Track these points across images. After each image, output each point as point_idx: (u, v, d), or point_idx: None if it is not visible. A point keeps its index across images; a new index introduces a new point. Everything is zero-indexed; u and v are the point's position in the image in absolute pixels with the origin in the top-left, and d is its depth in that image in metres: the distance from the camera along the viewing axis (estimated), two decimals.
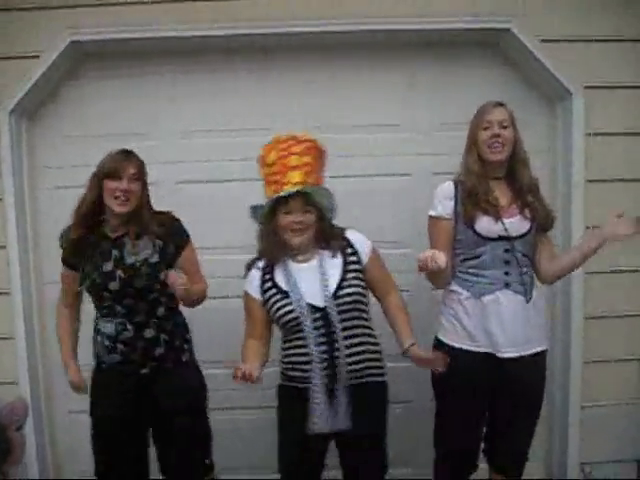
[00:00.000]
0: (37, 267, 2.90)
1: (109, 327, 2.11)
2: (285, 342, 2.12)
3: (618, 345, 2.90)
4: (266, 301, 2.07)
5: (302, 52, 2.84)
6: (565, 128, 2.83)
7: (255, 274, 2.11)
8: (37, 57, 2.70)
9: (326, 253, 2.07)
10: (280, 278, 2.05)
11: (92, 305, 2.21)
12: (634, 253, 2.75)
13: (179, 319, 2.24)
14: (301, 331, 2.00)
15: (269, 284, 2.07)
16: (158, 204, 2.21)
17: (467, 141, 2.17)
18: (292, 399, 2.08)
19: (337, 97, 2.87)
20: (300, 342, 2.02)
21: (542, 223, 2.16)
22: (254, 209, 2.09)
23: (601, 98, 2.77)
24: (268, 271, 2.08)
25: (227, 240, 2.80)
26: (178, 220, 2.20)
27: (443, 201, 2.15)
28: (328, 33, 2.72)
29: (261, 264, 2.10)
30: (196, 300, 2.18)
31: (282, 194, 1.97)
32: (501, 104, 2.15)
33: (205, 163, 2.86)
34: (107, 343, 2.12)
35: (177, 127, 2.86)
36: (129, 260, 2.08)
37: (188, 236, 2.21)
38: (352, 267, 2.06)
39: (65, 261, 2.22)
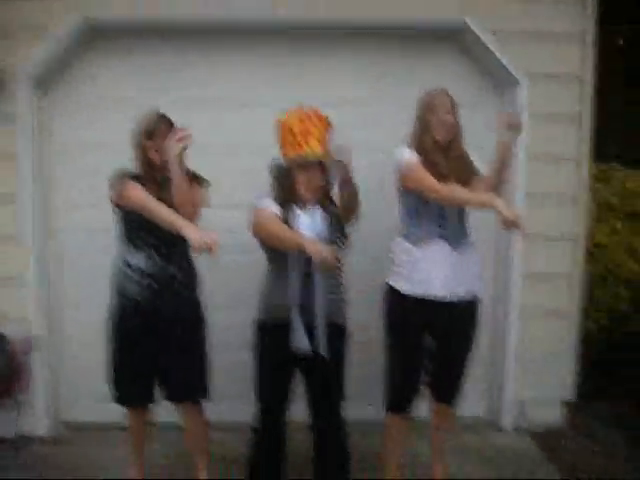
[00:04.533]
0: (47, 214, 3.30)
1: (140, 259, 2.46)
2: (269, 276, 2.55)
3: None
4: None
5: (283, 39, 3.26)
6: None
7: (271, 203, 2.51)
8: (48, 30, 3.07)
9: (321, 209, 2.51)
10: (288, 216, 2.47)
11: None
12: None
13: (192, 260, 2.60)
14: (286, 266, 2.43)
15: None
16: None
17: (418, 123, 2.55)
18: (270, 331, 2.50)
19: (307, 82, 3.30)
20: (284, 279, 2.44)
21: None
22: (274, 166, 2.53)
23: (542, 84, 3.21)
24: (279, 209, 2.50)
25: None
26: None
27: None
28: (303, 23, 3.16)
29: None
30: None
31: (307, 154, 2.43)
32: (445, 91, 2.53)
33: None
34: (136, 277, 2.47)
35: (176, 98, 3.18)
36: (164, 195, 2.42)
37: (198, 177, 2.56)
38: (336, 222, 2.52)
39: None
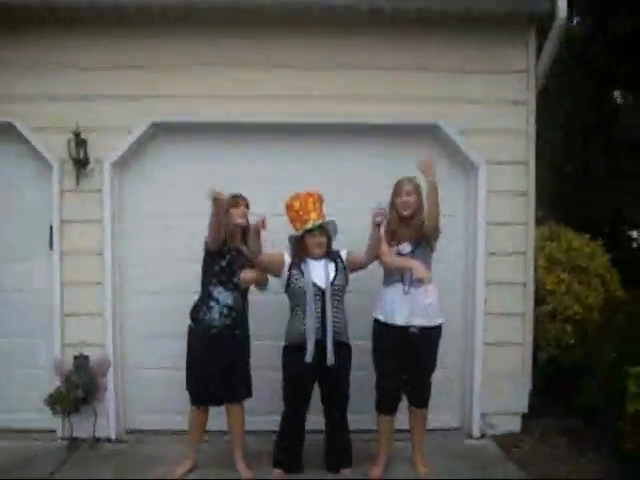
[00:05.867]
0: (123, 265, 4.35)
1: (230, 297, 3.53)
2: (292, 313, 3.53)
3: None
4: (289, 276, 3.50)
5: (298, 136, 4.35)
6: (474, 188, 4.32)
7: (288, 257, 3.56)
8: (130, 132, 4.20)
9: (328, 260, 3.53)
10: (302, 266, 3.50)
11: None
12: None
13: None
14: (304, 302, 3.40)
15: (294, 267, 3.52)
16: None
17: (391, 201, 3.56)
18: (293, 352, 3.46)
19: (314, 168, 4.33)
20: (303, 308, 3.41)
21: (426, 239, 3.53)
22: (290, 237, 3.56)
23: (496, 170, 4.27)
24: (295, 262, 3.53)
25: None
26: None
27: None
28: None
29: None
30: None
31: (311, 226, 3.46)
32: (410, 179, 3.55)
33: None
34: (225, 311, 3.51)
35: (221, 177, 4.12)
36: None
37: None
38: (341, 270, 3.53)
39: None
